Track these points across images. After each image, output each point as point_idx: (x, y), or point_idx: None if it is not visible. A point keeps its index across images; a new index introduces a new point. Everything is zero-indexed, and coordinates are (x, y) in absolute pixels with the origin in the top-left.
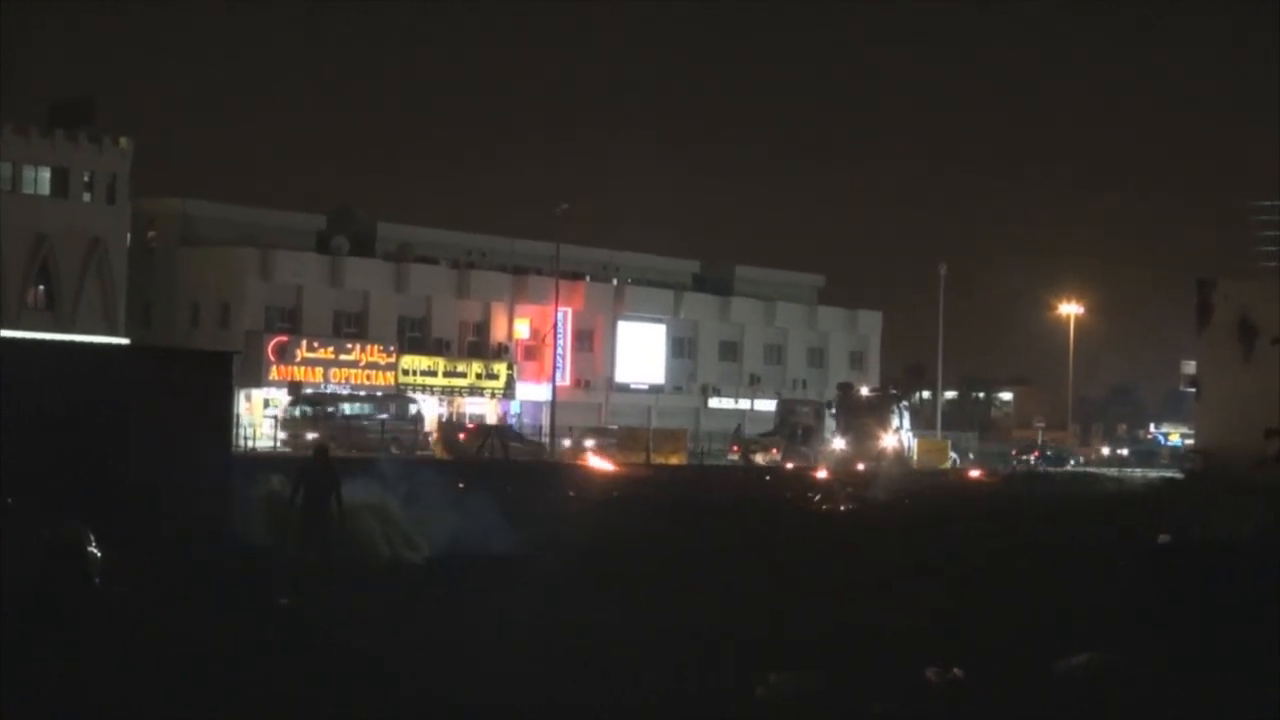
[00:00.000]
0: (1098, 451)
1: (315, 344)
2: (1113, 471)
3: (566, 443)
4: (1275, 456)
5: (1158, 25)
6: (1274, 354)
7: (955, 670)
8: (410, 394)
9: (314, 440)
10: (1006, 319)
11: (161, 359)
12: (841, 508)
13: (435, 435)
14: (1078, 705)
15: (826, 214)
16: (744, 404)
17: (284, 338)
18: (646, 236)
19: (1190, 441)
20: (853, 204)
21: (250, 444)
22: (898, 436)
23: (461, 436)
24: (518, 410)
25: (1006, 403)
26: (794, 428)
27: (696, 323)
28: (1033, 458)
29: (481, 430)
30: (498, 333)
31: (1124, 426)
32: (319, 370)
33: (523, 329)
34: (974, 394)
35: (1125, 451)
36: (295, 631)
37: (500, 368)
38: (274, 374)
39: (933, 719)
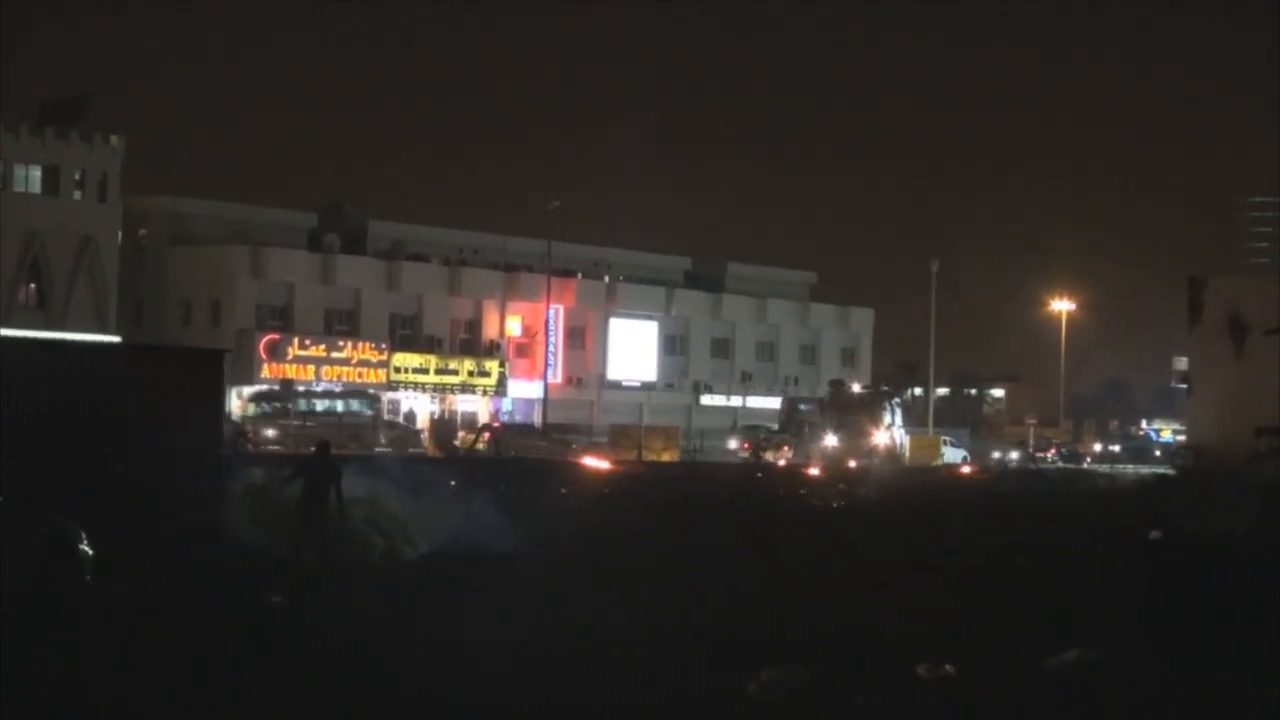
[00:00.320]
0: (1089, 448)
1: (307, 342)
2: (1105, 468)
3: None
4: (1265, 454)
5: (1148, 23)
6: (1265, 351)
7: (947, 666)
8: (373, 391)
9: (316, 438)
10: (998, 316)
11: (153, 357)
12: (834, 505)
13: (427, 433)
14: (1069, 702)
15: (818, 211)
16: (736, 401)
17: (275, 336)
18: (638, 233)
19: (1182, 438)
20: (845, 201)
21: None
22: (889, 433)
23: (487, 436)
24: (509, 408)
25: (998, 399)
26: (800, 425)
27: (688, 320)
28: (1050, 454)
29: (501, 430)
30: (489, 330)
31: (1116, 423)
32: (310, 368)
33: (515, 326)
34: (966, 391)
35: (1117, 448)
36: (291, 631)
37: (492, 365)
38: (266, 372)
39: (924, 715)
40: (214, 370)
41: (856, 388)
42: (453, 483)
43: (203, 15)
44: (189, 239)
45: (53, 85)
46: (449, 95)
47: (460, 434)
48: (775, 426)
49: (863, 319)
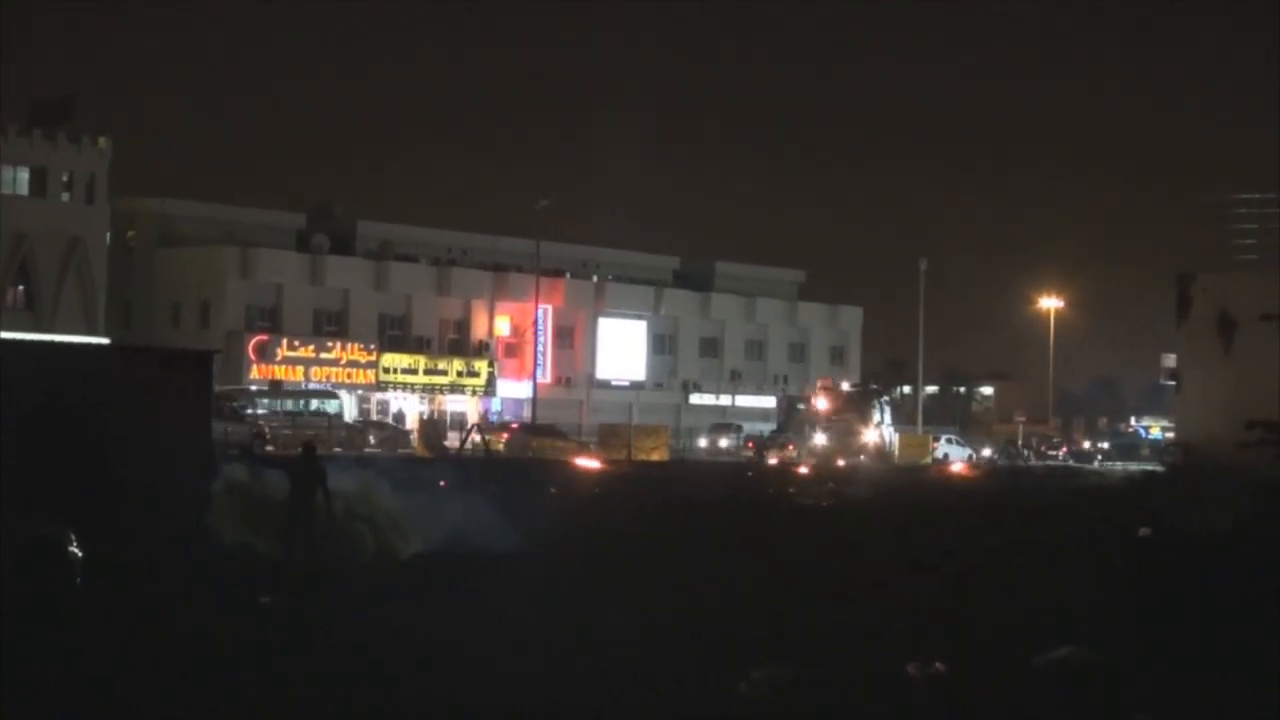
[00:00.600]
0: (1079, 445)
1: (296, 343)
2: (1094, 465)
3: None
4: (1256, 445)
5: (1138, 22)
6: (1253, 346)
7: (936, 664)
8: (335, 390)
9: (301, 439)
10: (987, 314)
11: (142, 359)
12: (823, 504)
13: (416, 433)
14: (1058, 699)
15: (807, 210)
16: (725, 400)
17: (264, 336)
18: (627, 233)
19: (1171, 434)
20: (833, 200)
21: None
22: (879, 432)
23: (505, 436)
24: (498, 408)
25: (987, 397)
26: (800, 424)
27: (677, 319)
28: (1061, 453)
29: (523, 429)
30: (478, 330)
31: (1105, 420)
32: (299, 369)
33: (503, 326)
34: (955, 389)
35: (1105, 445)
36: (290, 631)
37: (481, 365)
38: (255, 373)
39: (912, 713)
40: (203, 371)
41: (846, 386)
42: (442, 482)
43: (191, 17)
44: (177, 240)
45: (39, 87)
46: (437, 96)
47: (477, 433)
48: (739, 424)
49: (851, 317)
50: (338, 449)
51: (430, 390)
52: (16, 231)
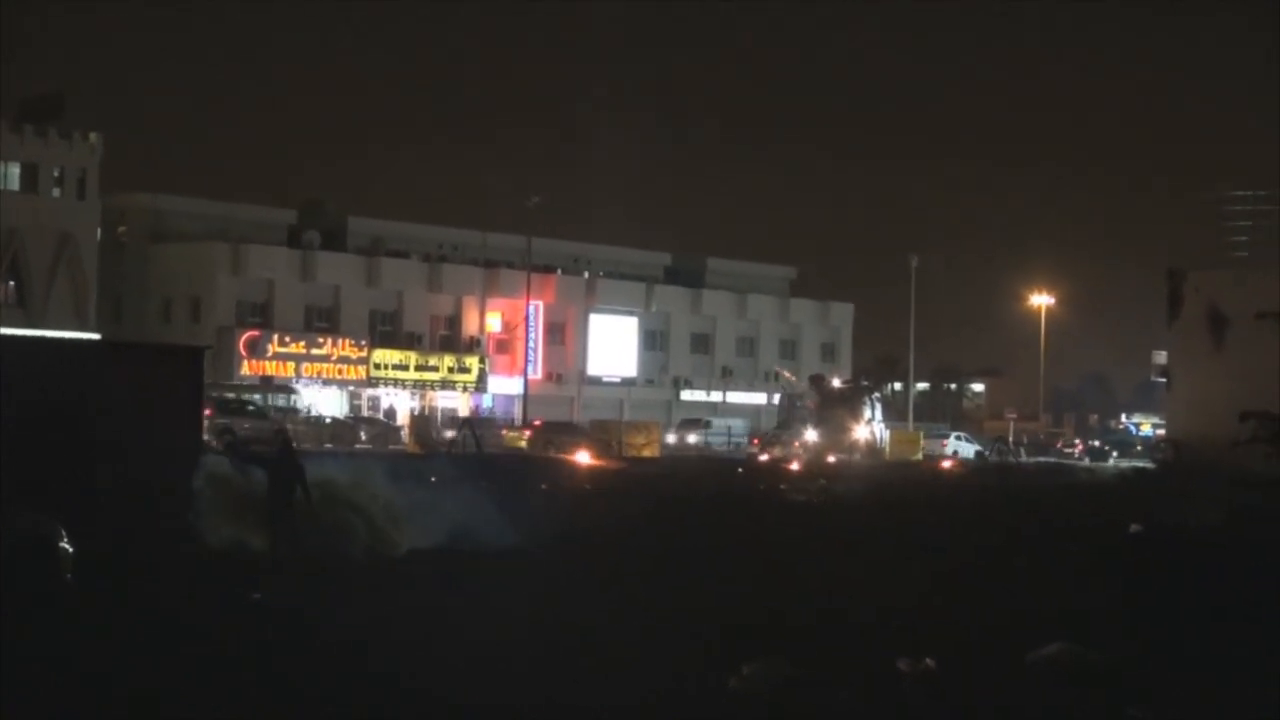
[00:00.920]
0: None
1: (287, 339)
2: (1085, 461)
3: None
4: (1250, 439)
5: (1128, 19)
6: (1244, 344)
7: (927, 660)
8: (293, 385)
9: (278, 433)
10: (979, 311)
11: (133, 354)
12: (808, 499)
13: (407, 429)
14: (1049, 695)
15: (798, 206)
16: (716, 396)
17: (255, 332)
18: (618, 229)
19: (1161, 431)
20: (824, 197)
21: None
22: (869, 428)
23: (526, 434)
24: (490, 404)
25: (978, 394)
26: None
27: (668, 315)
28: (1077, 450)
29: (546, 428)
30: (469, 326)
31: (1096, 417)
32: (290, 365)
33: (494, 322)
34: (946, 385)
35: (1097, 442)
36: (281, 629)
37: (472, 361)
38: (245, 369)
39: (902, 707)
40: (194, 367)
41: (837, 382)
42: (433, 479)
43: (183, 13)
44: (168, 236)
45: (29, 83)
46: (428, 92)
47: (503, 430)
48: (708, 419)
49: (842, 314)
50: (328, 445)
51: (421, 386)
52: (7, 227)
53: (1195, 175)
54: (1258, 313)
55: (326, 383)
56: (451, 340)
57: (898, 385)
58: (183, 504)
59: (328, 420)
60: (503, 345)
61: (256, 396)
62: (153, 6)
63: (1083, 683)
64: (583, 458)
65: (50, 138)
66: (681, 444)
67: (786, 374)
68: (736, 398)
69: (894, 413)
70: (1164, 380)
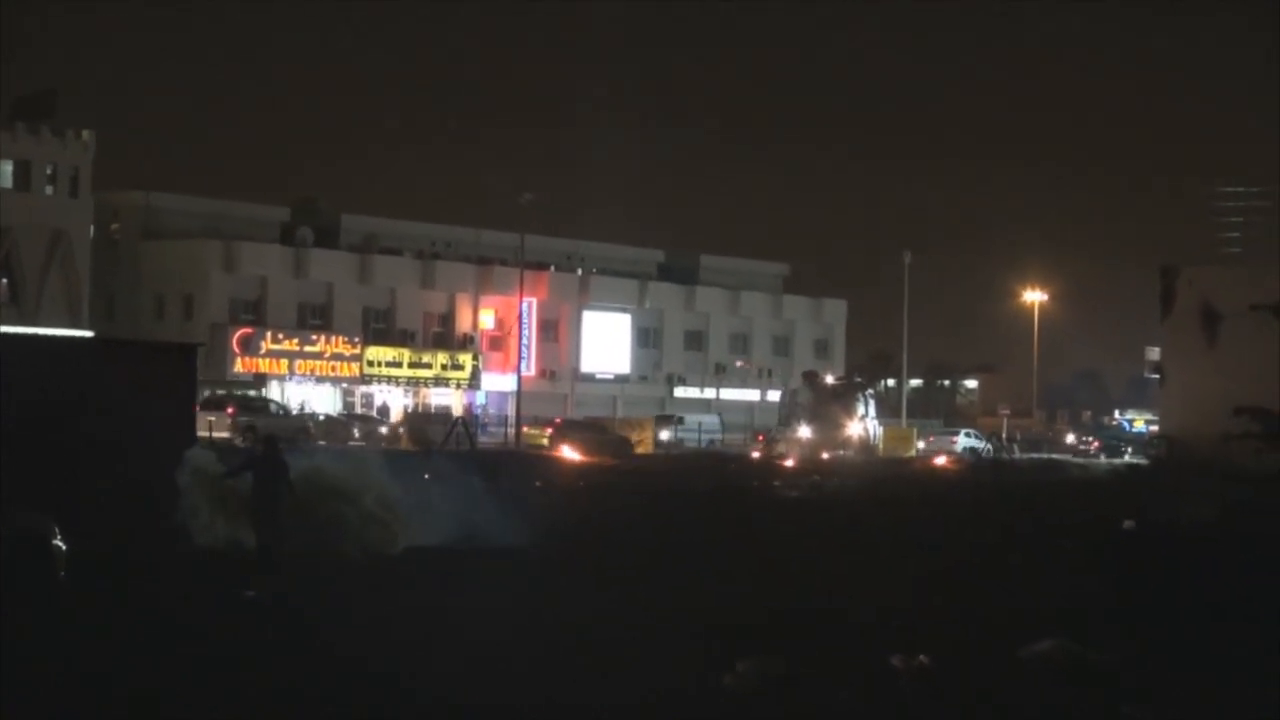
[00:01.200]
0: (1062, 438)
1: (280, 336)
2: (1100, 459)
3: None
4: (1242, 434)
5: (1122, 15)
6: (1237, 340)
7: (921, 657)
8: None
9: (263, 433)
10: (972, 307)
11: (126, 352)
12: (801, 495)
13: (402, 425)
14: (1043, 691)
15: (791, 203)
16: (709, 393)
17: (248, 330)
18: (611, 226)
19: (1154, 428)
20: (818, 193)
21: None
22: (863, 424)
23: (548, 431)
24: (483, 401)
25: (971, 390)
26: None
27: (661, 312)
28: (1093, 447)
29: (566, 424)
30: (463, 323)
31: (1089, 413)
32: (284, 362)
33: (488, 319)
34: (939, 382)
35: (1072, 438)
36: (276, 626)
37: (465, 358)
38: (239, 366)
39: (898, 704)
40: (187, 364)
41: (830, 379)
42: (426, 476)
43: (174, 10)
44: (161, 233)
45: (21, 81)
46: (420, 89)
47: (527, 427)
48: (680, 415)
49: (836, 310)
50: (321, 442)
51: (415, 383)
52: (0, 225)
53: (1188, 172)
54: (1251, 304)
55: (320, 380)
56: (445, 337)
57: (891, 382)
58: (178, 500)
59: (321, 418)
60: (496, 342)
61: (274, 395)
62: (146, 6)
63: (1077, 679)
64: (574, 455)
65: (43, 135)
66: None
67: (743, 363)
68: (730, 394)
69: (888, 409)
70: (1157, 376)
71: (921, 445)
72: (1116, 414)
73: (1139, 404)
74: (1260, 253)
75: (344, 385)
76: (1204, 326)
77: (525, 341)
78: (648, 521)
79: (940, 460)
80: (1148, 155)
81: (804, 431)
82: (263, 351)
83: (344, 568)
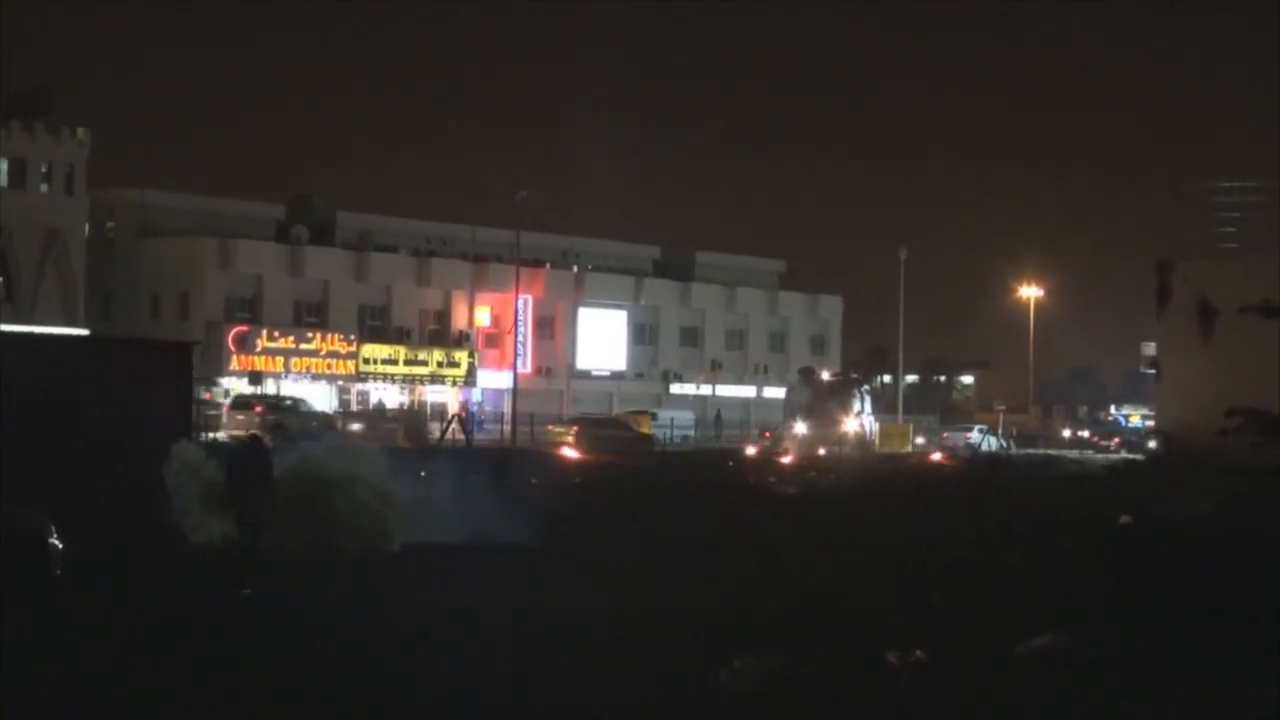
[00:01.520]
0: (1058, 433)
1: (275, 333)
2: (1074, 454)
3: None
4: (1237, 429)
5: (1117, 9)
6: (1233, 335)
7: (917, 652)
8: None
9: (249, 430)
10: (968, 303)
11: (122, 350)
12: (799, 492)
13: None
14: (1039, 686)
15: (787, 199)
16: (705, 390)
17: (244, 327)
18: (606, 223)
19: (1151, 423)
20: (814, 189)
21: (210, 434)
22: (859, 421)
23: (573, 429)
24: (479, 398)
25: (967, 386)
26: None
27: (657, 309)
28: (1114, 443)
29: (590, 422)
30: (459, 321)
31: (1085, 408)
32: (279, 360)
33: (483, 317)
34: (935, 378)
35: (1087, 433)
36: (273, 624)
37: (461, 356)
38: (235, 364)
39: (894, 700)
40: (183, 362)
41: (826, 375)
42: (422, 473)
43: (170, 9)
44: (157, 231)
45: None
46: (416, 86)
47: (550, 425)
48: (654, 411)
49: (832, 306)
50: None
51: (410, 381)
52: None
53: (1185, 167)
54: (1240, 306)
55: (315, 378)
56: (441, 335)
57: (887, 378)
58: (161, 500)
59: (337, 414)
60: (492, 339)
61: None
62: (142, 5)
63: (1072, 674)
64: (571, 452)
65: (38, 133)
66: None
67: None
68: (726, 391)
69: (883, 405)
70: (1153, 371)
71: (920, 440)
72: (1113, 409)
73: (1135, 399)
74: (1257, 248)
75: (340, 383)
76: (1200, 322)
77: (521, 338)
78: (645, 519)
79: (936, 456)
80: (1144, 151)
81: (800, 428)
82: (258, 349)
83: (342, 565)
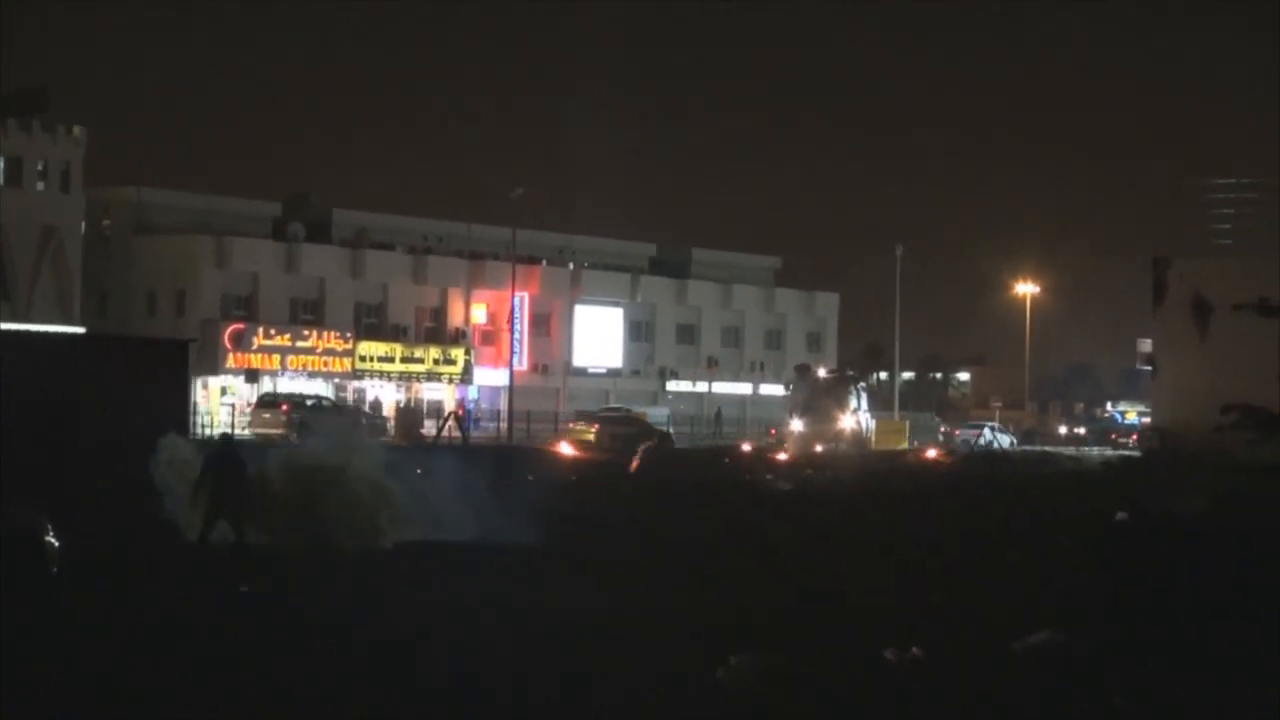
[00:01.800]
0: (1054, 430)
1: (272, 331)
2: (1070, 450)
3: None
4: (1234, 425)
5: (1113, 7)
6: (1229, 331)
7: (914, 650)
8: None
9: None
10: (965, 300)
11: (119, 348)
12: (795, 489)
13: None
14: (1036, 683)
15: (784, 196)
16: (702, 387)
17: (240, 325)
18: (603, 220)
19: (1147, 419)
20: (810, 186)
21: (207, 432)
22: (855, 418)
23: (594, 427)
24: (475, 396)
25: (964, 383)
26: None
27: (654, 306)
28: (1131, 440)
29: (610, 420)
30: (455, 318)
31: (1081, 405)
32: (276, 357)
33: (480, 314)
34: (932, 375)
35: (1082, 430)
36: (270, 622)
37: (457, 353)
38: (231, 361)
39: (891, 697)
40: (179, 360)
41: (822, 372)
42: (419, 470)
43: (166, 7)
44: (153, 229)
45: (12, 77)
46: (411, 84)
47: (571, 423)
48: (626, 408)
49: (828, 303)
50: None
51: (407, 378)
52: None
53: (1180, 164)
54: (1234, 305)
55: (312, 375)
56: (437, 332)
57: (883, 375)
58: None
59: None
60: (488, 337)
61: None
62: (139, 4)
63: (1069, 671)
64: (567, 449)
65: (34, 131)
66: None
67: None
68: (722, 388)
69: (880, 402)
70: (1149, 368)
71: (913, 443)
72: (1109, 406)
73: (1132, 395)
74: (1252, 244)
75: (336, 380)
76: (1196, 319)
77: (517, 336)
78: (643, 516)
79: (932, 453)
80: (1140, 148)
81: (796, 425)
82: (254, 347)
83: (340, 564)
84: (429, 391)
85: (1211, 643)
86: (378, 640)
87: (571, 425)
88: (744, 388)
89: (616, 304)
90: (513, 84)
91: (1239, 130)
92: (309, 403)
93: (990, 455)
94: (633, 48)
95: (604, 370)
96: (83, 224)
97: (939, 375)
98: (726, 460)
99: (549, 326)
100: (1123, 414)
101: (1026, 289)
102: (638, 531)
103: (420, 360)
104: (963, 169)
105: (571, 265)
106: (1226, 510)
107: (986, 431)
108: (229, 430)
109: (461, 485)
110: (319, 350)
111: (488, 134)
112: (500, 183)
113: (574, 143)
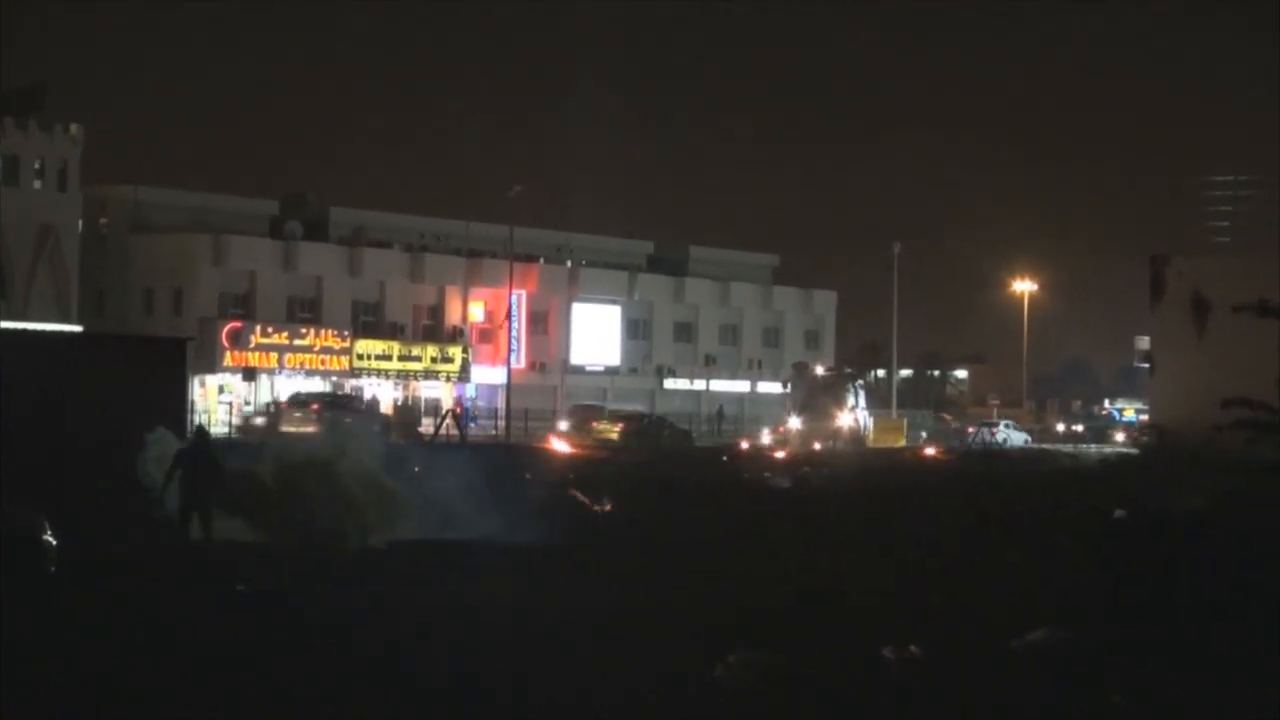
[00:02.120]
0: (1053, 428)
1: (269, 329)
2: (1068, 448)
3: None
4: (1232, 423)
5: (1114, 6)
6: (1226, 329)
7: (914, 649)
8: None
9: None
10: (962, 298)
11: (116, 347)
12: (792, 486)
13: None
14: (1035, 681)
15: (781, 193)
16: (699, 385)
17: (238, 323)
18: (600, 218)
19: (1145, 417)
20: (808, 184)
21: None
22: (853, 415)
23: (618, 426)
24: (473, 394)
25: (961, 381)
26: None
27: (651, 304)
28: (1122, 436)
29: (633, 418)
30: (452, 316)
31: (1079, 403)
32: (273, 356)
33: (477, 312)
34: (929, 372)
35: (1080, 428)
36: (269, 620)
37: (455, 351)
38: (228, 360)
39: (890, 695)
40: (177, 359)
41: (820, 370)
42: (416, 468)
43: (165, 7)
44: (150, 227)
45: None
46: (410, 83)
47: (595, 422)
48: (604, 405)
49: (826, 301)
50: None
51: (404, 376)
52: None
53: (1179, 162)
54: (1234, 306)
55: (309, 373)
56: (434, 330)
57: (881, 372)
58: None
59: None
60: (486, 335)
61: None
62: (137, 3)
63: (1069, 670)
64: (563, 446)
65: (31, 130)
66: None
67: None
68: (720, 386)
69: (877, 400)
70: (1147, 365)
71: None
72: (1106, 403)
73: (1130, 393)
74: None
75: (333, 379)
76: (1194, 316)
77: (515, 334)
78: (642, 515)
79: (930, 450)
80: (1139, 147)
81: (794, 422)
82: (252, 345)
83: (339, 563)
84: (427, 389)
85: (1211, 642)
86: (378, 640)
87: (594, 425)
88: (742, 386)
89: (614, 302)
90: (512, 84)
91: (1238, 129)
92: (341, 402)
93: (988, 452)
94: (633, 48)
95: (601, 368)
96: (80, 222)
97: (937, 373)
98: (724, 459)
99: (546, 324)
100: (1120, 411)
101: (1024, 287)
102: (640, 531)
103: (418, 358)
104: (962, 168)
105: (569, 263)
106: (1225, 509)
107: (1001, 429)
108: (204, 424)
109: (460, 483)
110: (316, 348)
111: (486, 133)
112: (498, 181)
113: (573, 142)
